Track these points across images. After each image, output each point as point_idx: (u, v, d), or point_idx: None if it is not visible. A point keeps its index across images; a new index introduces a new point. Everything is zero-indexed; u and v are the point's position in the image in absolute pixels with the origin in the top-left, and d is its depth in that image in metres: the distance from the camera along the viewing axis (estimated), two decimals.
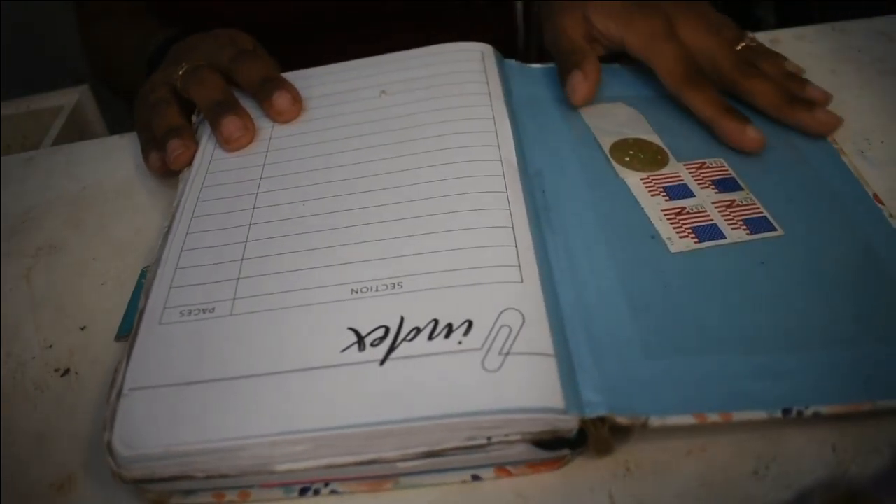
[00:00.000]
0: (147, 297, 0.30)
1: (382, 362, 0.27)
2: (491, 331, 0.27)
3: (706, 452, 0.27)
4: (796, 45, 0.48)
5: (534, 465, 0.26)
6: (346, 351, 0.27)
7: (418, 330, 0.28)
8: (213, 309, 0.29)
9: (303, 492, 0.27)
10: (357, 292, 0.29)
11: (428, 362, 0.27)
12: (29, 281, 0.37)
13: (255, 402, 0.26)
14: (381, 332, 0.28)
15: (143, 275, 0.35)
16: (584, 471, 0.27)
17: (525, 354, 0.27)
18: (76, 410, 0.30)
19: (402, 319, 0.28)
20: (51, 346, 0.33)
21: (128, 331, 0.32)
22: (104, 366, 0.32)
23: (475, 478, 0.27)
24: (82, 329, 0.34)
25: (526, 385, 0.26)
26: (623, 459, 0.27)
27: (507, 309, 0.28)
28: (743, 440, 0.27)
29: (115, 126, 0.69)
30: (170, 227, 0.34)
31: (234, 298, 0.30)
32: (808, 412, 0.26)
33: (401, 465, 0.26)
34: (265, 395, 0.26)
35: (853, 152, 0.39)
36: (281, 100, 0.40)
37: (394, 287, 0.29)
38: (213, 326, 0.29)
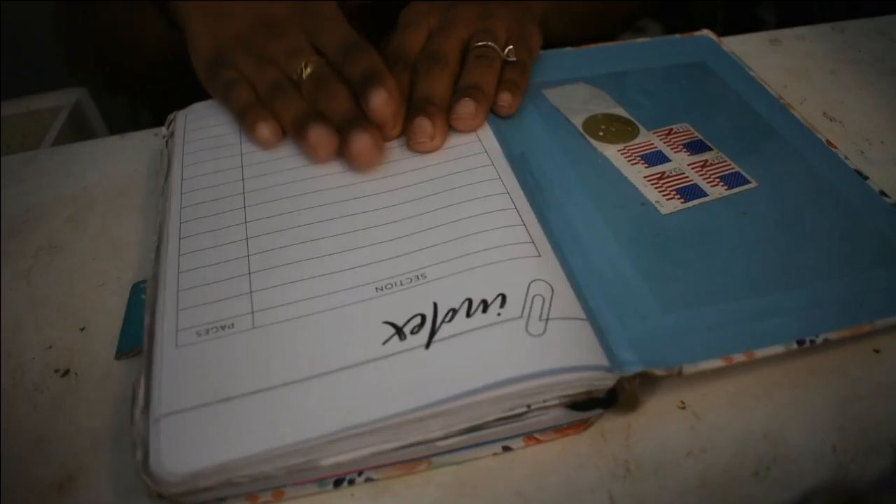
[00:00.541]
0: (153, 315, 0.30)
1: (428, 346, 0.27)
2: (525, 300, 0.28)
3: (706, 453, 0.27)
4: (796, 45, 0.48)
5: (561, 430, 0.28)
6: (388, 343, 0.28)
7: (454, 311, 0.28)
8: (233, 325, 0.29)
9: (337, 483, 0.27)
10: (382, 290, 0.30)
11: (473, 337, 0.27)
12: (29, 281, 0.37)
13: (305, 406, 0.26)
14: (418, 321, 0.28)
15: (135, 290, 0.34)
16: (584, 471, 0.27)
17: (563, 319, 0.28)
18: (76, 410, 0.30)
19: (435, 305, 0.29)
20: (51, 347, 0.33)
21: (128, 348, 0.32)
22: (104, 366, 0.32)
23: (506, 449, 0.27)
24: (82, 329, 0.34)
25: (572, 345, 0.27)
26: (623, 459, 0.27)
27: (535, 280, 0.29)
28: (743, 440, 0.27)
29: (115, 126, 0.69)
30: (159, 244, 0.34)
31: (253, 312, 0.30)
32: (819, 340, 0.28)
33: (440, 443, 0.26)
34: (313, 397, 0.26)
35: (853, 152, 0.39)
36: (377, 99, 0.36)
37: (418, 279, 0.30)
38: (238, 341, 0.29)
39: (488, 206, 0.33)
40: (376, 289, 0.30)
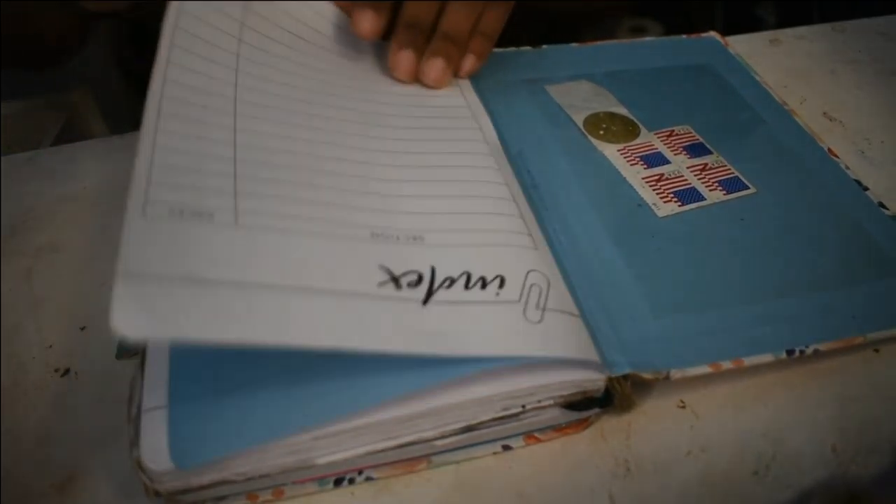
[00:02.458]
0: None
1: (425, 302, 0.26)
2: (524, 287, 0.28)
3: (706, 452, 0.27)
4: (796, 45, 0.48)
5: (560, 429, 0.28)
6: (384, 286, 0.26)
7: (452, 280, 0.27)
8: (213, 216, 0.26)
9: (337, 482, 0.27)
10: (377, 236, 0.28)
11: (470, 309, 0.26)
12: (29, 281, 0.37)
13: (288, 313, 0.24)
14: (414, 277, 0.27)
15: None
16: (584, 471, 0.27)
17: (559, 312, 0.27)
18: (76, 410, 0.30)
19: (433, 269, 0.27)
20: (51, 346, 0.33)
21: (129, 348, 0.32)
22: (104, 366, 0.32)
23: (506, 448, 0.27)
24: (82, 329, 0.34)
25: (569, 337, 0.27)
26: (623, 459, 0.27)
27: (532, 270, 0.29)
28: (743, 440, 0.27)
29: (115, 126, 0.69)
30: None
31: (237, 210, 0.27)
32: (809, 351, 0.28)
33: (438, 443, 0.26)
34: (298, 309, 0.24)
35: (853, 152, 0.39)
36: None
37: (415, 240, 0.29)
38: (219, 234, 0.25)
39: (489, 192, 0.32)
40: (371, 234, 0.28)
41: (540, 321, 0.27)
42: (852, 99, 0.43)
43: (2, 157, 0.46)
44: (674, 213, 0.34)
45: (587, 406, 0.27)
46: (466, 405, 0.26)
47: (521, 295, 0.27)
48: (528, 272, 0.28)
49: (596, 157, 0.38)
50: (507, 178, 0.34)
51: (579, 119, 0.40)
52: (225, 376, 0.27)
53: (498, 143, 0.37)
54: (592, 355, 0.27)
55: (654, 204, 0.35)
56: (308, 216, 0.28)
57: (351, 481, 0.27)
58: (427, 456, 0.27)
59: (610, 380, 0.27)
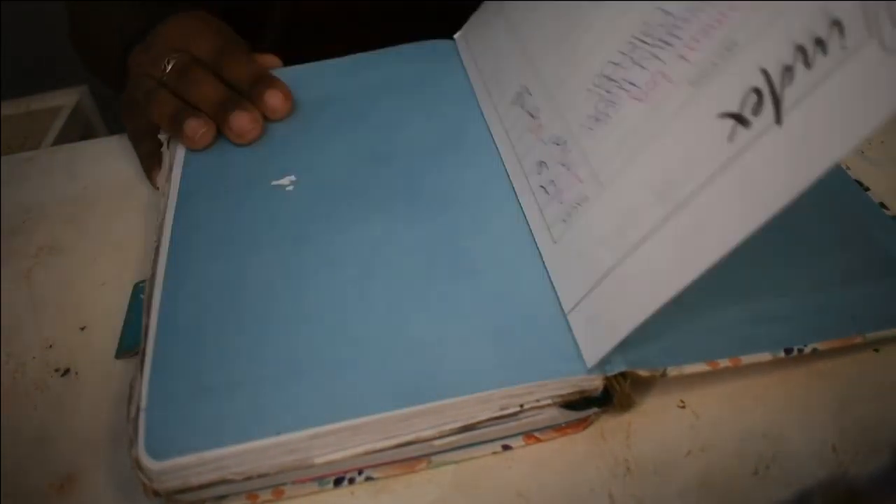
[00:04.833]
0: (149, 314, 0.30)
1: (778, 119, 0.23)
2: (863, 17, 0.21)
3: (706, 452, 0.27)
4: None
5: (560, 429, 0.28)
6: (735, 137, 0.24)
7: (790, 67, 0.23)
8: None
9: (337, 482, 0.27)
10: (698, 82, 0.26)
11: (826, 85, 0.22)
12: (29, 281, 0.37)
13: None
14: (754, 97, 0.23)
15: (135, 290, 0.34)
16: (584, 471, 0.27)
17: None
18: (76, 410, 0.30)
19: (764, 71, 0.23)
20: (51, 346, 0.33)
21: (128, 348, 0.32)
22: (104, 366, 0.32)
23: (506, 447, 0.27)
24: (82, 329, 0.34)
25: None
26: (623, 459, 0.27)
27: None
28: (743, 440, 0.27)
29: (115, 126, 0.69)
30: (158, 243, 0.33)
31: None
32: (808, 350, 0.28)
33: (436, 442, 0.26)
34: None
35: (853, 152, 0.39)
36: (273, 99, 0.39)
37: (729, 50, 0.25)
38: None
39: None
40: (689, 82, 0.26)
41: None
42: None
43: (2, 157, 0.46)
44: None
45: (586, 406, 0.27)
46: (465, 404, 0.26)
47: (868, 29, 0.21)
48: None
49: None
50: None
51: None
52: (206, 374, 0.27)
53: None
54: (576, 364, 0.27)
55: None
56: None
57: (351, 481, 0.27)
58: (427, 455, 0.27)
59: (608, 379, 0.27)
